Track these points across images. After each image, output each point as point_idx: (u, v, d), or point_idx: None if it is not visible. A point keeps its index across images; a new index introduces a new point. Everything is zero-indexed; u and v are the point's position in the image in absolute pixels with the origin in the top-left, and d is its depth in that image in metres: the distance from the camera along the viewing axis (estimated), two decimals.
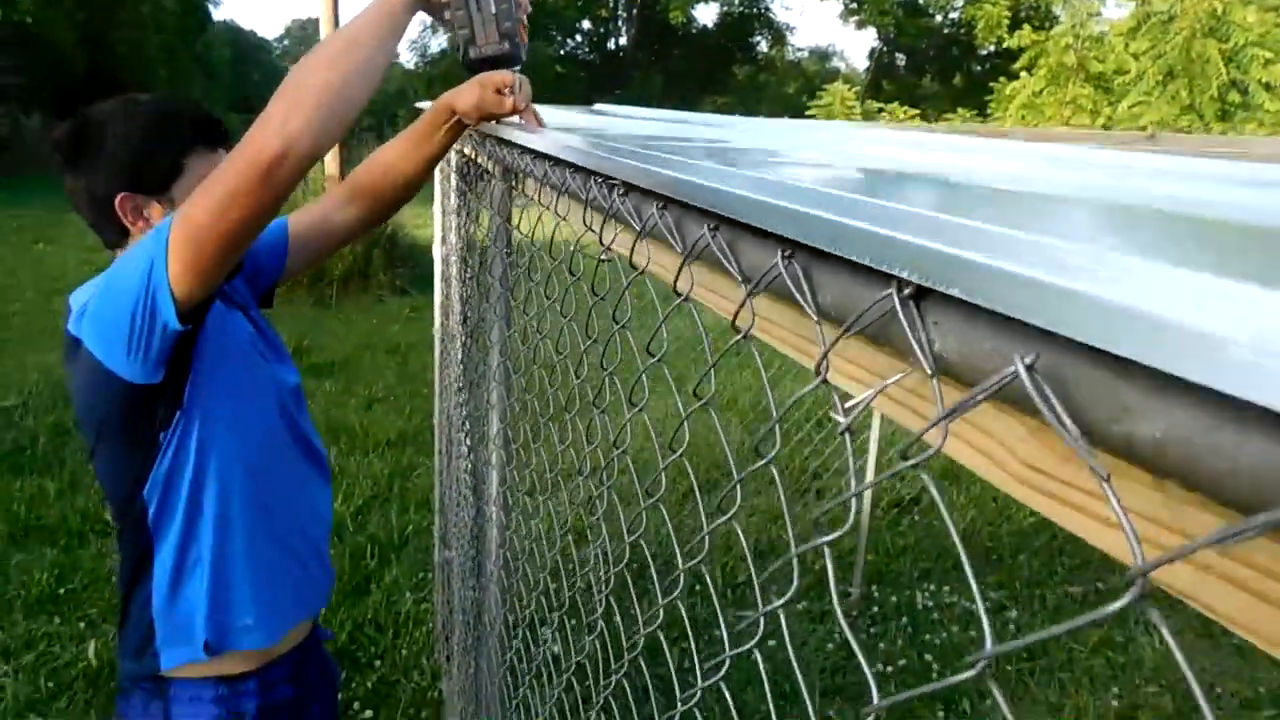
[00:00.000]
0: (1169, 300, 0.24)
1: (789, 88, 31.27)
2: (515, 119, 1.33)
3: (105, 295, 1.22)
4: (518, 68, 1.33)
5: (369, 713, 2.79)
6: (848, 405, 0.40)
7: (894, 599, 3.65)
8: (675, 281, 0.63)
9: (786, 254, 0.46)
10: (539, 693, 1.31)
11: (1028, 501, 0.34)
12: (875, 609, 3.58)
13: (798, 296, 0.45)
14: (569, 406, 1.16)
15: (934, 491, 0.36)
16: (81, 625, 3.07)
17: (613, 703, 0.97)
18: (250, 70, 43.86)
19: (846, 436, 0.40)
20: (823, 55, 40.28)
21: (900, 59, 31.21)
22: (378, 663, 3.04)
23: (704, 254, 0.58)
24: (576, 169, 0.90)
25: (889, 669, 3.22)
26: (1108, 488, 0.26)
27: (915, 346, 0.35)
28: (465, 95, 1.34)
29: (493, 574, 1.66)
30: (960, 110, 12.82)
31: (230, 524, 1.32)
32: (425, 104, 2.78)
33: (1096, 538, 0.31)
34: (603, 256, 0.83)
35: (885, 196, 0.40)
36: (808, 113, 12.70)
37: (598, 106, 3.16)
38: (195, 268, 1.14)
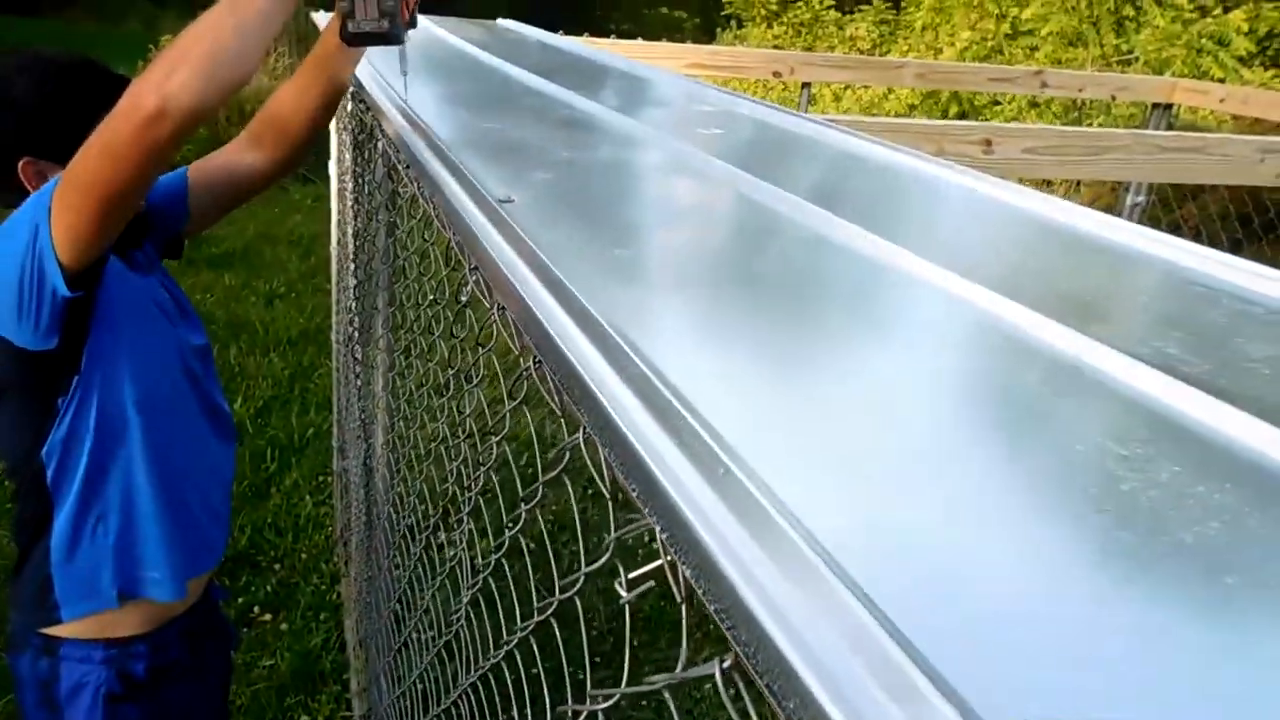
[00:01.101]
0: None
1: None
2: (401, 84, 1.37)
3: None
4: (398, 48, 1.35)
5: (269, 616, 2.89)
6: (631, 577, 0.49)
7: None
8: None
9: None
10: (420, 584, 1.41)
11: None
12: None
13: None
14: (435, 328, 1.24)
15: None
16: None
17: (491, 583, 1.03)
18: None
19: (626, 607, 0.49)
20: None
21: None
22: (277, 566, 3.12)
23: None
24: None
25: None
26: None
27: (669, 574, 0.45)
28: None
29: (378, 474, 1.76)
30: None
31: (134, 483, 1.33)
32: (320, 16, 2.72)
33: None
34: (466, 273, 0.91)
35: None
36: None
37: (501, 24, 3.14)
38: (77, 232, 1.13)
